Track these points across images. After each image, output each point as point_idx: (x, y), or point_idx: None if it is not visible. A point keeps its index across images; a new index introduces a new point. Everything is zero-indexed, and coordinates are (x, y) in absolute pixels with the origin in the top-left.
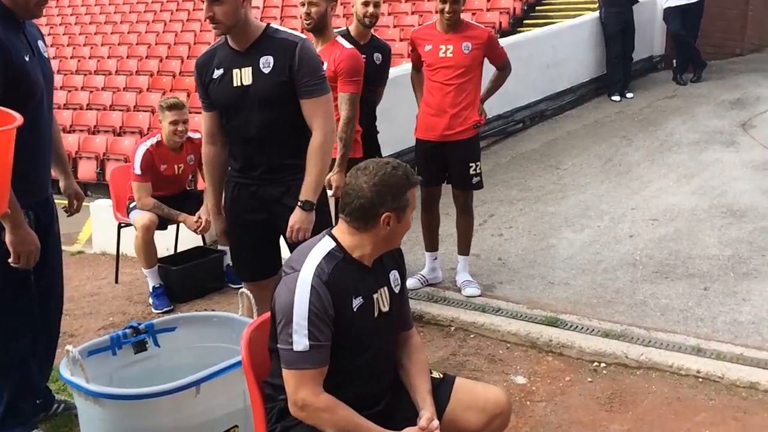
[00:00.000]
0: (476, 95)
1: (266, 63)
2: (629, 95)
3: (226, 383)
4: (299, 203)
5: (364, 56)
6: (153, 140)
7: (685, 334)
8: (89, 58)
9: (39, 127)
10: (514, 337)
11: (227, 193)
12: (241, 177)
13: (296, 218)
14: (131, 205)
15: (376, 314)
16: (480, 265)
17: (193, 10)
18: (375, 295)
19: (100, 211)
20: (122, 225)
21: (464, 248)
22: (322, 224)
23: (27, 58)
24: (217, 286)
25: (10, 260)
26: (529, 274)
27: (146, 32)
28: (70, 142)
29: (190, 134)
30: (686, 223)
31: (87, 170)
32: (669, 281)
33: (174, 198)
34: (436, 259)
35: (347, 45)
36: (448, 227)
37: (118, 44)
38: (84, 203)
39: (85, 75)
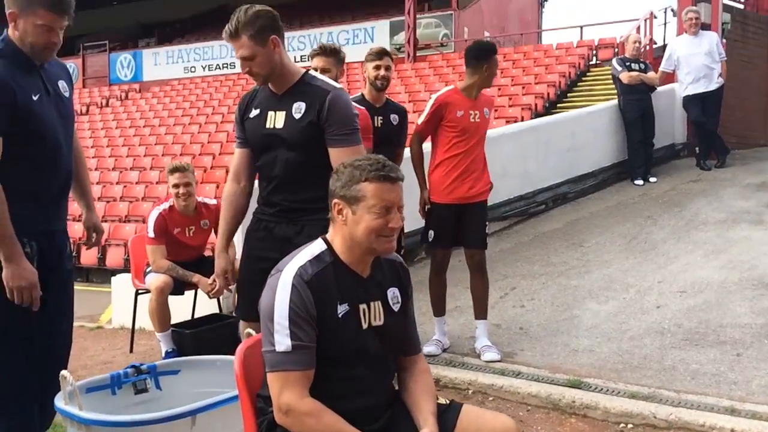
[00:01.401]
0: (485, 159)
1: (298, 108)
2: (652, 179)
3: (224, 417)
4: None
5: (381, 118)
6: (166, 205)
7: (717, 396)
8: (126, 156)
9: (50, 164)
10: (535, 399)
11: (249, 226)
12: (262, 213)
13: None
14: (147, 270)
15: (365, 326)
16: (500, 334)
17: (228, 113)
18: (362, 306)
19: (120, 285)
20: (139, 292)
21: (482, 312)
22: None
23: (35, 98)
24: (232, 351)
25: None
26: (551, 342)
27: (182, 133)
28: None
29: (206, 200)
30: (716, 295)
31: (89, 256)
32: (699, 348)
33: (190, 263)
34: (445, 324)
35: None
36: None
37: (155, 144)
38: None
39: (115, 171)
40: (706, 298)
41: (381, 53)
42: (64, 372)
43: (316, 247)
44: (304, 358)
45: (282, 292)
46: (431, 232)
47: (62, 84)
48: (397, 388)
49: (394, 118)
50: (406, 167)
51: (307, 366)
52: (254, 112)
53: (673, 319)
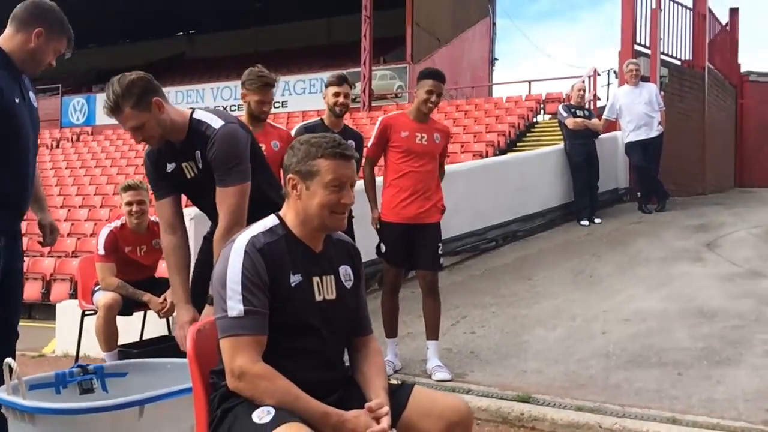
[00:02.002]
0: (439, 182)
1: (199, 157)
2: (597, 221)
3: (173, 410)
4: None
5: None
6: (117, 222)
7: (659, 409)
8: (75, 195)
9: (22, 163)
10: (485, 413)
11: (204, 238)
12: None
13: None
14: (96, 288)
15: (318, 298)
16: (451, 357)
17: None
18: (315, 278)
19: (64, 310)
20: (86, 313)
21: (433, 333)
22: None
23: (17, 101)
24: None
25: None
26: (501, 364)
27: (135, 174)
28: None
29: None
30: (658, 323)
31: (32, 290)
32: (642, 368)
33: (141, 283)
34: (397, 345)
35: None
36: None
37: (106, 183)
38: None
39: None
40: (648, 325)
41: (341, 79)
42: (9, 360)
43: (269, 221)
44: (257, 323)
45: (234, 258)
46: (382, 245)
47: (32, 95)
48: (349, 369)
49: (351, 143)
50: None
51: (260, 331)
52: (170, 167)
53: (618, 343)
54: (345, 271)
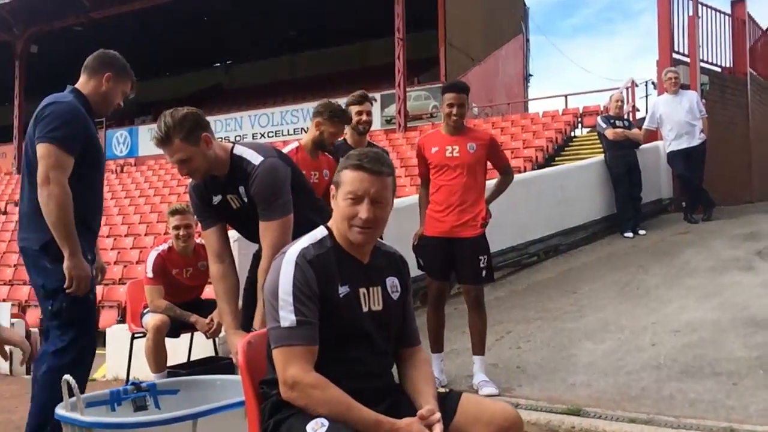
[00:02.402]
0: (481, 194)
1: (242, 192)
2: (642, 232)
3: (226, 424)
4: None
5: None
6: (164, 246)
7: (716, 419)
8: (121, 224)
9: (98, 192)
10: (534, 427)
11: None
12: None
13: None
14: (145, 311)
15: (365, 309)
16: (498, 372)
17: None
18: (362, 289)
19: (114, 335)
20: (135, 336)
21: (479, 347)
22: None
23: (97, 136)
24: None
25: (65, 286)
26: (548, 378)
27: (177, 201)
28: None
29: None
30: (710, 333)
31: None
32: (696, 379)
33: (188, 305)
34: (442, 360)
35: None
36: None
37: (150, 212)
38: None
39: (110, 237)
40: (700, 335)
41: (362, 97)
42: (68, 377)
43: (318, 232)
44: (308, 334)
45: (286, 269)
46: (419, 260)
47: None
48: (397, 380)
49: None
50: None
51: (311, 341)
52: (216, 199)
53: (669, 354)
54: (392, 282)
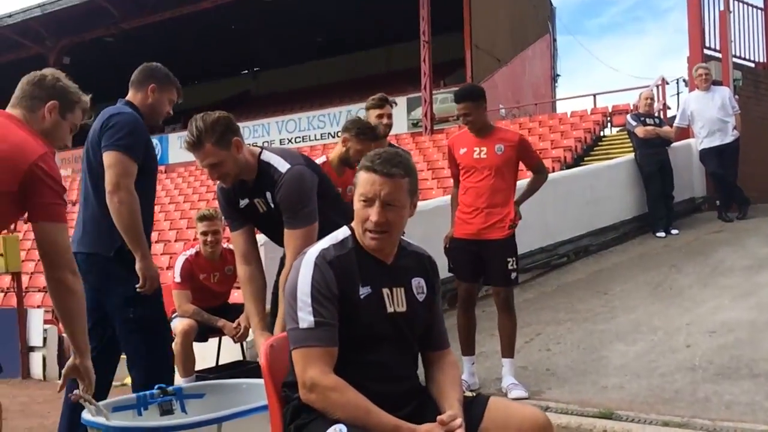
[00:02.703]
0: (510, 195)
1: (269, 198)
2: (674, 231)
3: (250, 427)
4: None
5: None
6: (192, 251)
7: (753, 422)
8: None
9: (152, 199)
10: (565, 430)
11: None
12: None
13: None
14: (173, 316)
15: (389, 310)
16: (527, 375)
17: None
18: (385, 290)
19: None
20: None
21: (508, 350)
22: None
23: (152, 145)
24: None
25: (137, 286)
26: (579, 381)
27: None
28: None
29: (231, 246)
30: (747, 334)
31: None
32: (732, 381)
33: (215, 310)
34: (473, 363)
35: None
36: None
37: (180, 218)
38: None
39: None
40: (737, 336)
41: (383, 100)
42: (77, 390)
43: (340, 233)
44: (327, 335)
45: (305, 270)
46: (448, 265)
47: None
48: (424, 383)
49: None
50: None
51: (330, 343)
52: (243, 202)
53: (704, 356)
54: (418, 283)
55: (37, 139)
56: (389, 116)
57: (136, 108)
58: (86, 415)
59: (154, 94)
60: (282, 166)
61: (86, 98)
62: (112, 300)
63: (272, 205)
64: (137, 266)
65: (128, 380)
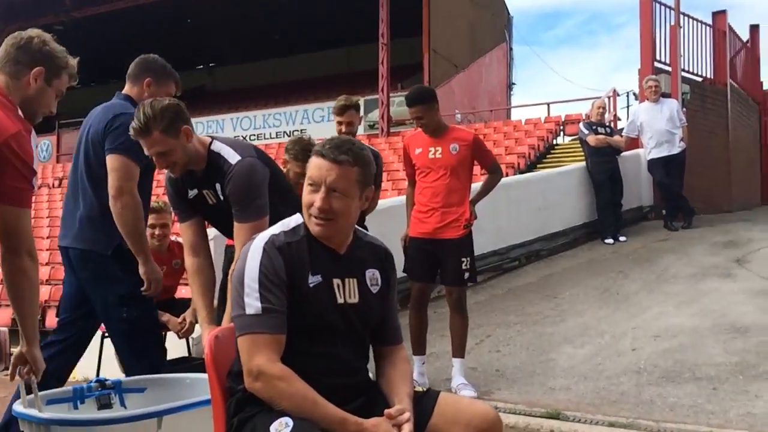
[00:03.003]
0: (465, 195)
1: (218, 189)
2: (622, 239)
3: (192, 423)
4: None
5: None
6: None
7: (696, 424)
8: None
9: (148, 197)
10: (513, 430)
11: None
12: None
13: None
14: None
15: (339, 301)
16: (477, 376)
17: None
18: (336, 281)
19: None
20: (105, 335)
21: (459, 350)
22: None
23: None
24: None
25: (142, 289)
26: (528, 382)
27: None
28: (42, 293)
29: (179, 239)
30: (690, 339)
31: (54, 319)
32: (676, 384)
33: (161, 304)
34: (424, 363)
35: None
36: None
37: None
38: None
39: None
40: (680, 341)
41: (342, 109)
42: (31, 378)
43: (292, 220)
44: (275, 322)
45: (253, 255)
46: (404, 265)
47: None
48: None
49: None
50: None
51: (278, 330)
52: (192, 193)
53: (649, 359)
54: (372, 274)
55: (10, 116)
56: (349, 124)
57: (134, 101)
58: (17, 407)
59: (150, 89)
60: (232, 157)
61: (74, 62)
62: (106, 298)
63: (221, 197)
64: (141, 270)
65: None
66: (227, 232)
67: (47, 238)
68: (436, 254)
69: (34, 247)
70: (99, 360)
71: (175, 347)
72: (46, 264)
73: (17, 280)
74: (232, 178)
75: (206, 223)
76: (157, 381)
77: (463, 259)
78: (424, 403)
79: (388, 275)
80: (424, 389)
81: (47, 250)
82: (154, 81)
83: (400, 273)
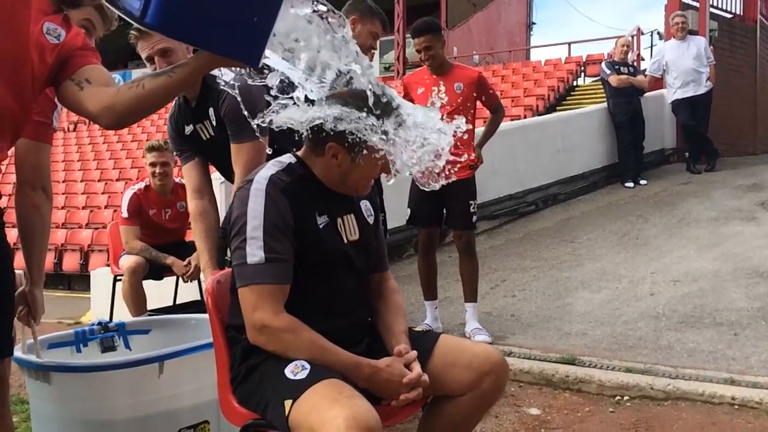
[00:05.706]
0: (470, 135)
1: (212, 115)
2: (643, 182)
3: (195, 367)
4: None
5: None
6: (141, 184)
7: (715, 370)
8: (113, 168)
9: None
10: (527, 375)
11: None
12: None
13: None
14: (122, 253)
15: (345, 240)
16: (491, 321)
17: None
18: (339, 220)
19: (98, 279)
20: (118, 278)
21: (471, 294)
22: None
23: None
24: None
25: None
26: (543, 327)
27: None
28: (59, 236)
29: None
30: (710, 283)
31: (71, 262)
32: (695, 329)
33: (169, 247)
34: (436, 308)
35: None
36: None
37: (126, 158)
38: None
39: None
40: (700, 286)
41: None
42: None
43: (285, 158)
44: (279, 271)
45: (255, 201)
46: (408, 210)
47: None
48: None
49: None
50: None
51: (283, 280)
52: (188, 129)
53: (668, 304)
54: (365, 206)
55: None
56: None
57: None
58: (17, 353)
59: (356, 27)
60: (227, 75)
61: None
62: None
63: (215, 124)
64: None
65: (84, 318)
66: (226, 170)
67: (63, 182)
68: (444, 198)
69: (50, 185)
70: (112, 303)
71: (188, 290)
72: (62, 208)
73: (30, 214)
74: (228, 96)
75: (209, 165)
76: (161, 322)
77: (471, 203)
78: (422, 343)
79: (375, 202)
80: (424, 329)
81: (63, 193)
82: (360, 19)
83: (402, 222)
